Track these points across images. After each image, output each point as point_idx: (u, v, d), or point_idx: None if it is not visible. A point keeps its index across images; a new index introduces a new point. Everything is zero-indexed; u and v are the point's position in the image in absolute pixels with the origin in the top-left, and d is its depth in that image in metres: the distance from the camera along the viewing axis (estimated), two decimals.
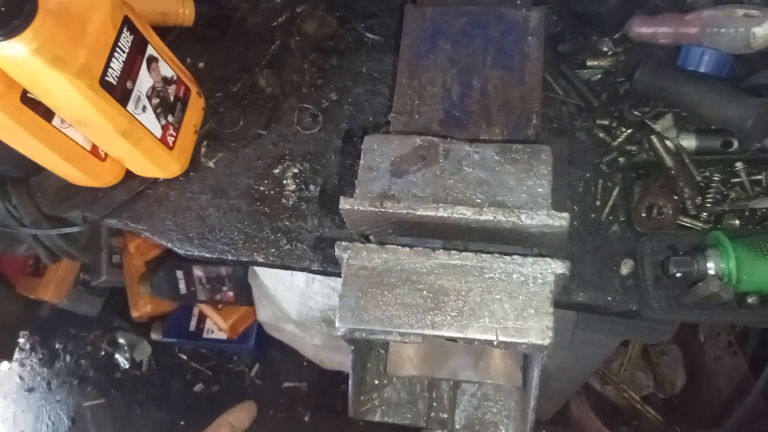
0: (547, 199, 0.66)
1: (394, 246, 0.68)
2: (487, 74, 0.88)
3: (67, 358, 2.46)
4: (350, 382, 0.75)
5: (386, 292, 0.65)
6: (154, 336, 2.28)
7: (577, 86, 0.97)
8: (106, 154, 0.97)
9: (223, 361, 2.37)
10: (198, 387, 2.35)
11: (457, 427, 0.81)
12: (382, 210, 0.65)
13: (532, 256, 0.66)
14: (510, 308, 0.63)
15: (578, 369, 1.31)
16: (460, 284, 0.64)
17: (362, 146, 0.70)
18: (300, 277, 1.52)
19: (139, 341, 2.39)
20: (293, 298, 1.60)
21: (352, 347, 0.73)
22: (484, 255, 0.66)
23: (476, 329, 0.62)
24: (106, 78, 0.81)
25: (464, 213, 0.64)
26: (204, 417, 2.28)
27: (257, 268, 1.66)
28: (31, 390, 2.44)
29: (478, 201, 0.66)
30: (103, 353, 2.44)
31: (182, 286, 1.98)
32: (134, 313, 2.20)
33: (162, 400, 2.34)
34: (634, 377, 1.86)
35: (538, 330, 0.62)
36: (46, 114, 0.85)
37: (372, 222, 0.69)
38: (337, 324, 0.65)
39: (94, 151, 0.95)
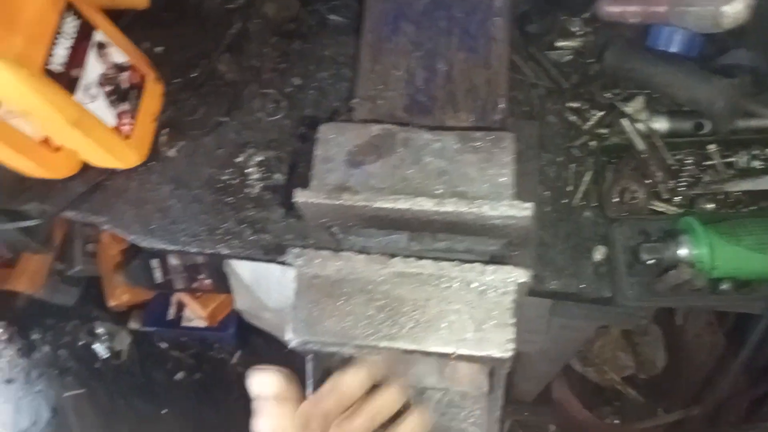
0: (509, 189, 0.63)
1: (349, 253, 0.64)
2: (452, 57, 0.84)
3: (46, 348, 2.43)
4: (309, 392, 0.72)
5: (340, 303, 0.61)
6: (133, 325, 2.25)
7: (546, 68, 0.94)
8: (59, 145, 0.93)
9: (204, 348, 2.36)
10: (180, 375, 2.33)
11: None
12: (339, 203, 0.62)
13: (493, 264, 0.63)
14: (469, 319, 0.59)
15: (557, 353, 1.30)
16: (417, 294, 0.61)
17: (317, 136, 0.67)
18: (274, 266, 1.50)
19: (117, 331, 2.37)
20: (269, 287, 1.57)
21: (310, 356, 0.70)
22: (442, 263, 0.63)
23: (434, 342, 0.59)
24: (49, 66, 0.76)
25: (424, 205, 0.60)
26: (187, 405, 2.27)
27: None
28: (10, 381, 2.41)
29: (439, 192, 0.63)
30: (81, 343, 2.41)
31: (158, 274, 1.95)
32: (111, 303, 2.18)
33: (143, 389, 2.33)
34: (616, 358, 1.86)
35: (498, 342, 0.59)
36: None
37: (331, 215, 0.66)
38: (288, 336, 0.62)
39: (46, 142, 0.91)
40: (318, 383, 0.76)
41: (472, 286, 0.61)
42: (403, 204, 0.61)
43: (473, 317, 0.60)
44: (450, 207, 0.61)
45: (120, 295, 2.15)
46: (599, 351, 1.84)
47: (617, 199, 0.87)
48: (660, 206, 0.87)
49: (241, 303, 1.83)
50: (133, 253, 2.04)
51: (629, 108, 0.88)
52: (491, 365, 0.63)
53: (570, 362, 1.84)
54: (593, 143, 0.90)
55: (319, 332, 0.61)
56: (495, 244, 0.75)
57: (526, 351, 1.36)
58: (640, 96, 0.89)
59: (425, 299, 0.61)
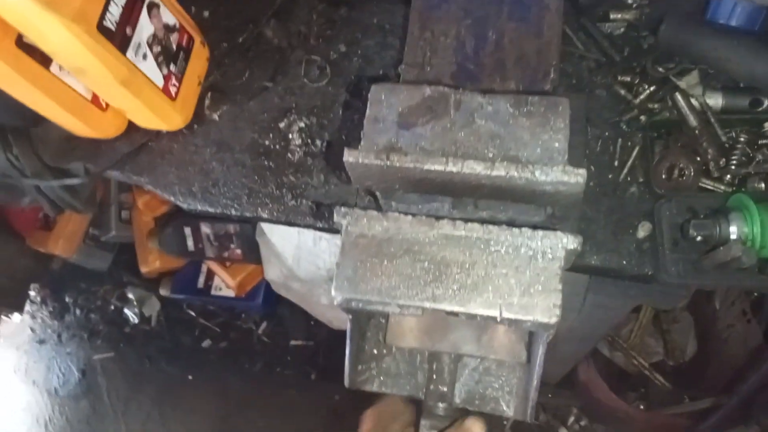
0: (563, 155, 0.62)
1: (396, 214, 0.64)
2: (503, 26, 0.83)
3: (78, 311, 2.49)
4: (347, 351, 0.73)
5: (386, 262, 0.61)
6: (163, 292, 2.28)
7: (598, 40, 0.92)
8: (107, 104, 0.94)
9: (231, 318, 2.39)
10: (206, 343, 2.37)
11: (457, 401, 0.78)
12: (388, 164, 0.62)
13: (542, 230, 0.63)
14: (516, 284, 0.59)
15: (588, 333, 1.29)
16: (464, 257, 0.61)
17: (368, 96, 0.67)
18: (307, 236, 1.50)
19: (148, 297, 2.41)
20: (300, 257, 1.58)
21: (350, 316, 0.70)
22: (491, 226, 0.63)
23: (479, 304, 0.59)
24: (104, 23, 0.77)
25: (475, 168, 0.60)
26: (213, 372, 2.31)
27: (264, 226, 1.65)
28: (42, 342, 2.48)
29: (490, 155, 0.63)
30: (112, 308, 2.46)
31: (190, 242, 1.98)
32: (143, 269, 2.21)
33: (171, 355, 2.37)
34: (644, 344, 1.84)
35: (544, 308, 0.58)
36: (43, 60, 0.82)
37: (378, 177, 0.66)
38: (332, 293, 0.62)
39: (95, 100, 0.93)
40: (356, 345, 0.76)
41: (521, 251, 0.61)
42: (453, 167, 0.61)
43: (520, 282, 0.60)
44: (501, 171, 0.60)
45: (152, 261, 2.18)
46: (628, 336, 1.82)
47: (665, 176, 0.85)
48: (709, 184, 0.85)
49: (271, 273, 1.84)
50: (166, 220, 2.07)
51: (683, 83, 0.85)
52: (536, 330, 0.62)
53: (597, 346, 1.82)
54: (643, 118, 0.88)
55: (363, 290, 0.61)
56: (538, 215, 0.75)
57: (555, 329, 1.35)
58: (694, 70, 0.86)
59: (472, 262, 0.61)
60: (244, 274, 2.09)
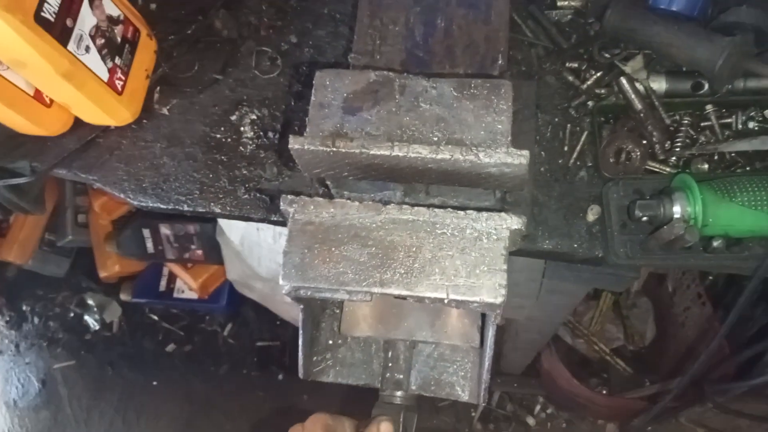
0: (506, 136, 0.62)
1: (343, 200, 0.64)
2: (452, 13, 0.83)
3: (35, 320, 2.42)
4: (300, 341, 0.72)
5: (333, 249, 0.61)
6: (124, 297, 2.24)
7: (546, 27, 0.94)
8: (51, 100, 0.91)
9: (195, 321, 2.36)
10: (170, 347, 2.34)
11: (413, 387, 0.79)
12: (334, 150, 0.61)
13: (486, 211, 0.63)
14: (462, 265, 0.59)
15: (547, 319, 1.31)
16: (411, 240, 0.61)
17: (313, 82, 0.66)
18: (267, 233, 1.49)
19: (108, 302, 2.36)
20: (261, 255, 1.57)
21: (302, 306, 0.70)
22: (437, 210, 0.63)
23: (426, 287, 0.59)
24: (42, 14, 0.75)
25: (420, 152, 0.60)
26: (177, 376, 2.28)
27: (224, 225, 1.63)
28: None
29: (435, 139, 0.63)
30: (72, 315, 2.40)
31: (149, 244, 1.94)
32: (102, 274, 2.16)
33: (134, 361, 2.33)
34: (605, 330, 1.88)
35: (490, 287, 0.59)
36: None
37: (325, 163, 0.65)
38: (281, 282, 0.61)
39: (38, 96, 0.90)
40: (309, 334, 0.76)
41: (466, 232, 0.61)
42: (398, 151, 0.61)
43: (466, 263, 0.60)
44: (446, 154, 0.60)
45: (111, 266, 2.13)
46: (589, 323, 1.86)
47: (613, 160, 0.87)
48: (655, 166, 0.87)
49: (232, 272, 1.82)
50: (124, 223, 2.03)
51: (628, 67, 0.87)
52: (483, 310, 0.63)
53: (559, 334, 1.85)
54: (591, 103, 0.90)
55: (311, 277, 0.61)
56: (489, 200, 0.75)
57: (515, 317, 1.37)
58: (639, 55, 0.88)
59: (418, 246, 0.61)
60: (206, 275, 2.06)
